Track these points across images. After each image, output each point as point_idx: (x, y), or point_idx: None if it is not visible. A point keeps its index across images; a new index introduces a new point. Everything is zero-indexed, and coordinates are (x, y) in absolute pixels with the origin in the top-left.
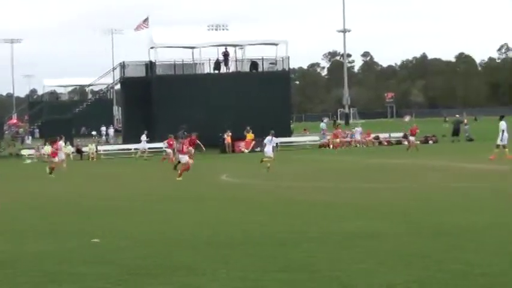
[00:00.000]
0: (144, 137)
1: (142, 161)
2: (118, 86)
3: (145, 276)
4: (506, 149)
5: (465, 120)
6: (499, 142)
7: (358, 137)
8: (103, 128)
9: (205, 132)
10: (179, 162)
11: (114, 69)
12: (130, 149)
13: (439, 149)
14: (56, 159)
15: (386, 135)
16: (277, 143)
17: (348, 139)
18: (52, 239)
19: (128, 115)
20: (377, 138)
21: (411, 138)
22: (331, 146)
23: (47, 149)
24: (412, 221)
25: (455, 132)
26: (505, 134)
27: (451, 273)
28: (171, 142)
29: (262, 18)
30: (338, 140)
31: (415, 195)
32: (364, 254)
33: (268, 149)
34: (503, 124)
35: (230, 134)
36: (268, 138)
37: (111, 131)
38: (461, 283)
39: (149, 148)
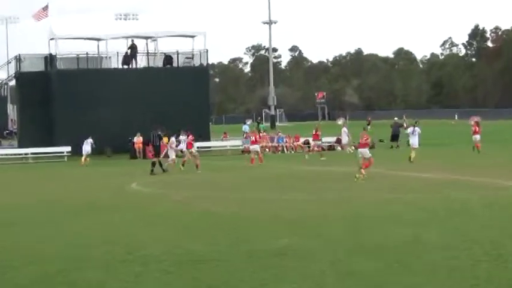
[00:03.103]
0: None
1: (42, 167)
2: (13, 82)
3: None
4: None
5: (405, 124)
6: None
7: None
8: None
9: (112, 136)
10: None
11: (8, 62)
12: (27, 154)
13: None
14: None
15: None
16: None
17: (275, 144)
18: None
19: (24, 115)
20: (307, 142)
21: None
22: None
23: None
24: (345, 238)
25: (394, 137)
26: None
27: None
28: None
29: (178, 7)
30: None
31: (346, 207)
32: (295, 274)
33: None
34: None
35: (141, 137)
36: None
37: None
38: None
39: (49, 153)
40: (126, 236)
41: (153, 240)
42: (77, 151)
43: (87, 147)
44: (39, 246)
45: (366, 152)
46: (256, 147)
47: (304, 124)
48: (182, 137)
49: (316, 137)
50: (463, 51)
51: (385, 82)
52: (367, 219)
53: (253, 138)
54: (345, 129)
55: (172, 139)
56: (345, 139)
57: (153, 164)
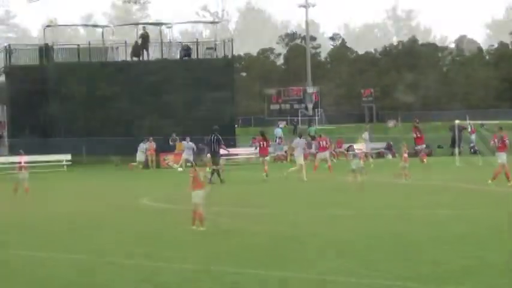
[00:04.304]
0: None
1: (38, 178)
2: (2, 78)
3: None
4: None
5: (469, 127)
6: None
7: None
8: None
9: (120, 141)
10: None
11: None
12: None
13: (433, 164)
14: None
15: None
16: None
17: (312, 151)
18: None
19: (15, 117)
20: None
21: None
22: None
23: None
24: (399, 261)
25: (455, 143)
26: None
27: None
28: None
29: None
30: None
31: (400, 225)
32: None
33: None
34: None
35: (154, 143)
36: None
37: None
38: None
39: (46, 161)
40: (137, 258)
41: (171, 264)
42: (78, 159)
43: (188, 153)
44: (40, 271)
45: (503, 156)
46: (326, 154)
47: (349, 127)
48: (187, 144)
49: (419, 141)
50: None
51: (444, 77)
52: (424, 240)
53: (323, 143)
54: (366, 134)
55: (298, 140)
56: (367, 147)
57: (215, 172)
